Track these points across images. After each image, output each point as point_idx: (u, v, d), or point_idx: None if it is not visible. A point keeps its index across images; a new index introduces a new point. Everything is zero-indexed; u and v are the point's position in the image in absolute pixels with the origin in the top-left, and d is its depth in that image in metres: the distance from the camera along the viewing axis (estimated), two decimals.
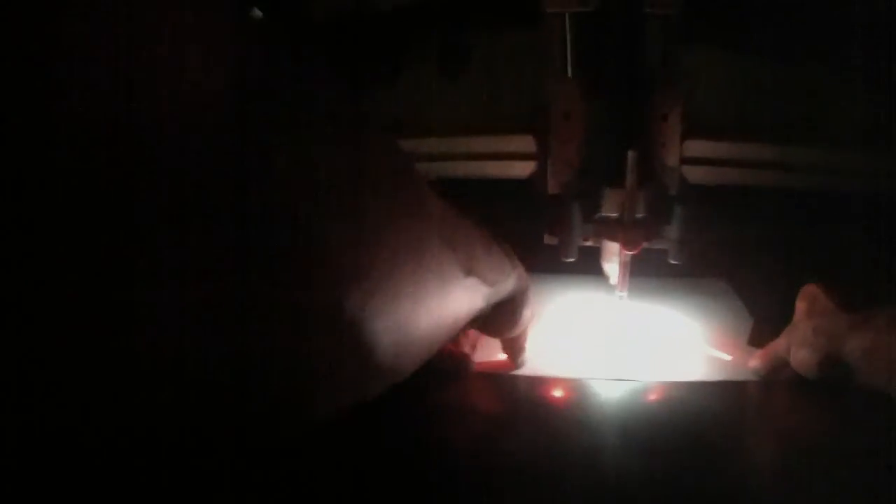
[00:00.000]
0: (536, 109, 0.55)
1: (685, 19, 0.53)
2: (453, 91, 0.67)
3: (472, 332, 0.49)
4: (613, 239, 0.49)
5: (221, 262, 0.20)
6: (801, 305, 0.49)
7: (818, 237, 0.64)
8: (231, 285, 0.20)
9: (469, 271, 0.34)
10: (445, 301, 0.31)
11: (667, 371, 0.49)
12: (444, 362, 0.47)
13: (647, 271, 0.56)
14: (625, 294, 0.53)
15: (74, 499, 0.19)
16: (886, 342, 0.41)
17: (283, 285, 0.22)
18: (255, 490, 0.31)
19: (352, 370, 0.26)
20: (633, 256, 0.52)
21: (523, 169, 0.56)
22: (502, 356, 0.50)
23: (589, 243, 0.53)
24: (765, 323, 0.55)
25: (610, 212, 0.50)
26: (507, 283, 0.40)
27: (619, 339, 0.54)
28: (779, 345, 0.48)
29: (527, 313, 0.44)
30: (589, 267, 0.57)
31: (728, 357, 0.52)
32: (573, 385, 0.47)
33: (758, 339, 0.53)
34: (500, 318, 0.42)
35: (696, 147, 0.60)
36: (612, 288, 0.55)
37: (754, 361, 0.49)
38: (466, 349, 0.49)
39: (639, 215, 0.50)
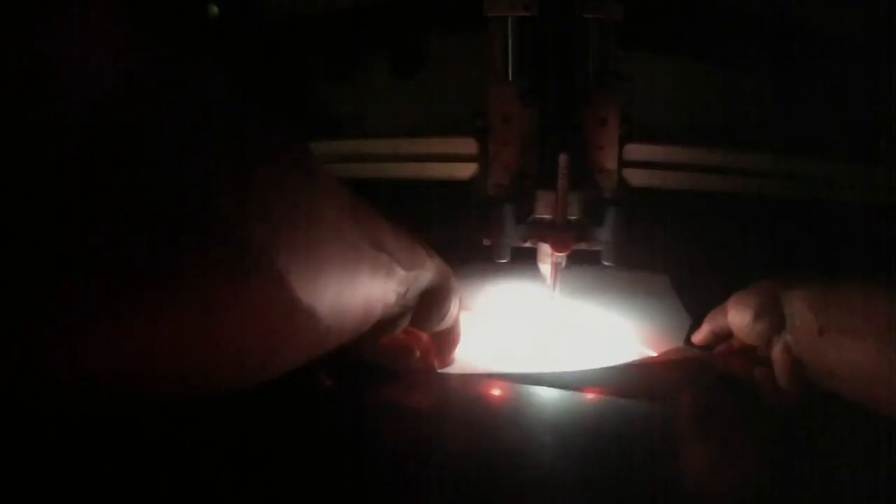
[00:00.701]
0: (478, 112, 0.55)
1: (627, 25, 0.54)
2: (403, 92, 0.68)
3: (424, 335, 0.49)
4: (543, 241, 0.51)
5: (125, 249, 0.20)
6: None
7: (758, 239, 0.66)
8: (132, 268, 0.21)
9: (379, 246, 0.36)
10: (355, 270, 0.33)
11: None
12: (386, 358, 0.47)
13: (588, 262, 0.57)
14: (556, 293, 0.54)
15: None
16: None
17: (186, 266, 0.23)
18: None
19: (270, 323, 0.27)
20: (575, 250, 0.53)
21: (464, 171, 0.56)
22: None
23: (528, 244, 0.55)
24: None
25: (543, 214, 0.51)
26: (426, 272, 0.42)
27: (549, 336, 0.55)
28: (722, 316, 0.49)
29: (453, 306, 0.46)
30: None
31: (654, 353, 0.53)
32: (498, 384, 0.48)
33: None
34: (425, 309, 0.44)
35: (638, 150, 0.61)
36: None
37: (697, 335, 0.52)
38: (418, 351, 0.49)
39: (571, 217, 0.51)
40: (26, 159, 0.18)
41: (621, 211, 0.52)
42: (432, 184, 0.61)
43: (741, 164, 0.64)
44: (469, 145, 0.56)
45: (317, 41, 0.71)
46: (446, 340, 0.49)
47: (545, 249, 0.53)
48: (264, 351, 0.28)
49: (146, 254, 0.21)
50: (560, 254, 0.51)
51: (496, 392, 0.47)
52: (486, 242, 0.53)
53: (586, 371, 0.49)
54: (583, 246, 0.53)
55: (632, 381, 0.49)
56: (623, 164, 0.57)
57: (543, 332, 0.55)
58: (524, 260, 0.55)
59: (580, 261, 0.56)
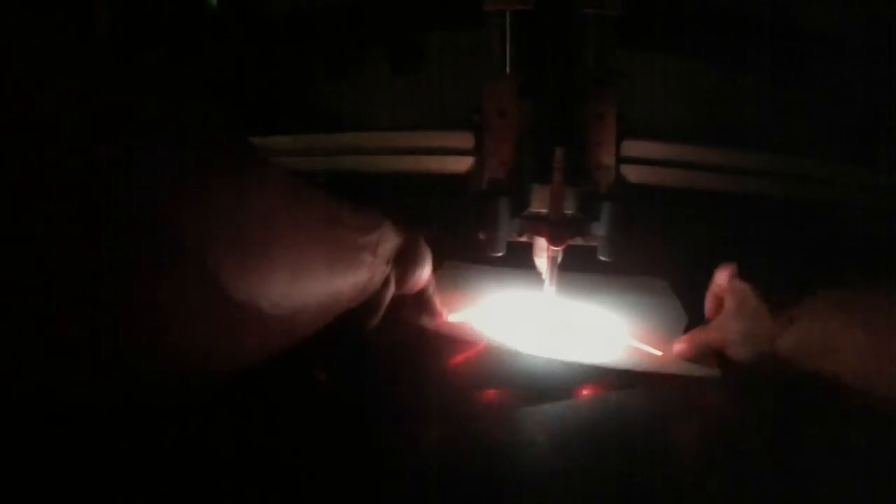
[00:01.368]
0: (475, 107, 0.55)
1: (626, 23, 0.53)
2: (402, 88, 0.68)
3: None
4: (539, 234, 0.50)
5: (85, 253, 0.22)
6: (729, 303, 0.50)
7: (755, 239, 0.66)
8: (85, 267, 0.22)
9: (331, 222, 0.37)
10: (308, 254, 0.34)
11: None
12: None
13: (587, 267, 0.57)
14: (553, 288, 0.53)
15: None
16: (817, 336, 0.44)
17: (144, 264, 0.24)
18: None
19: (210, 321, 0.27)
20: (574, 253, 0.53)
21: (460, 164, 0.56)
22: None
23: (524, 239, 0.55)
24: (700, 324, 0.56)
25: (539, 208, 0.51)
26: (388, 232, 0.43)
27: (550, 332, 0.55)
28: (708, 334, 0.50)
29: (421, 264, 0.48)
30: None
31: (658, 352, 0.53)
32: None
33: None
34: (400, 271, 0.46)
35: (636, 147, 0.61)
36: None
37: (680, 345, 0.51)
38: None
39: (568, 212, 0.51)
40: None
41: (618, 206, 0.51)
42: (427, 178, 0.61)
43: (738, 163, 0.64)
44: (465, 139, 0.56)
45: (316, 37, 0.71)
46: (426, 299, 0.51)
47: (541, 244, 0.53)
48: (206, 351, 0.28)
49: (75, 255, 0.22)
50: (556, 248, 0.50)
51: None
52: (481, 236, 0.53)
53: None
54: (578, 241, 0.53)
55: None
56: (620, 160, 0.56)
57: (541, 329, 0.55)
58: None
59: (577, 265, 0.56)
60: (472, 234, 0.54)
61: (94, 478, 0.31)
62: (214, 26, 0.72)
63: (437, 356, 0.51)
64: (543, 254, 0.53)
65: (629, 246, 0.53)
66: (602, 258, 0.52)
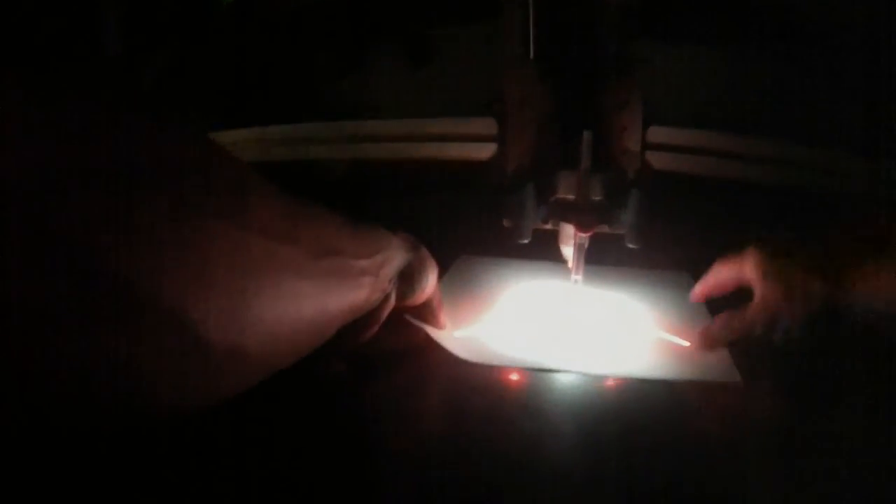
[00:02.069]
0: (496, 94, 0.54)
1: (651, 9, 0.52)
2: (418, 79, 0.67)
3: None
4: (567, 221, 0.49)
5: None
6: (764, 282, 0.48)
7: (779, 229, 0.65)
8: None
9: (326, 250, 0.35)
10: (296, 290, 0.32)
11: (624, 359, 0.50)
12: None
13: (611, 261, 0.56)
14: (580, 278, 0.52)
15: None
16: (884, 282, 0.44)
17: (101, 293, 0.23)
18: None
19: (186, 369, 0.27)
20: (600, 246, 0.52)
21: (482, 152, 0.55)
22: None
23: (549, 226, 0.53)
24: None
25: (566, 195, 0.50)
26: (394, 251, 0.42)
27: (578, 327, 0.54)
28: (752, 316, 0.48)
29: (428, 276, 0.46)
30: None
31: (686, 343, 0.52)
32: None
33: None
34: (404, 286, 0.45)
35: (661, 134, 0.60)
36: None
37: (719, 326, 0.50)
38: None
39: (595, 199, 0.49)
40: None
41: (644, 193, 0.50)
42: (443, 169, 0.60)
43: (765, 152, 0.63)
44: (488, 126, 0.55)
45: (329, 28, 0.70)
46: (429, 309, 0.49)
47: (567, 231, 0.52)
48: (181, 394, 0.28)
49: (26, 304, 0.21)
50: (583, 235, 0.49)
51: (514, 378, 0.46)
52: (506, 224, 0.52)
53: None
54: (605, 229, 0.52)
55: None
56: (645, 146, 0.55)
57: (570, 322, 0.54)
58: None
59: (600, 259, 0.55)
60: (493, 223, 0.53)
61: (92, 478, 0.30)
62: (227, 19, 0.71)
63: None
64: (570, 241, 0.52)
65: (655, 235, 0.52)
66: (630, 245, 0.51)
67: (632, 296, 0.60)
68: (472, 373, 0.46)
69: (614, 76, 0.52)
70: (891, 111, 0.64)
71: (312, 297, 0.34)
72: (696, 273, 0.64)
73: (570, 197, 0.50)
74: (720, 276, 0.53)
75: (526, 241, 0.50)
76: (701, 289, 0.55)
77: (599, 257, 0.55)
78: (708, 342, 0.50)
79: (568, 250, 0.53)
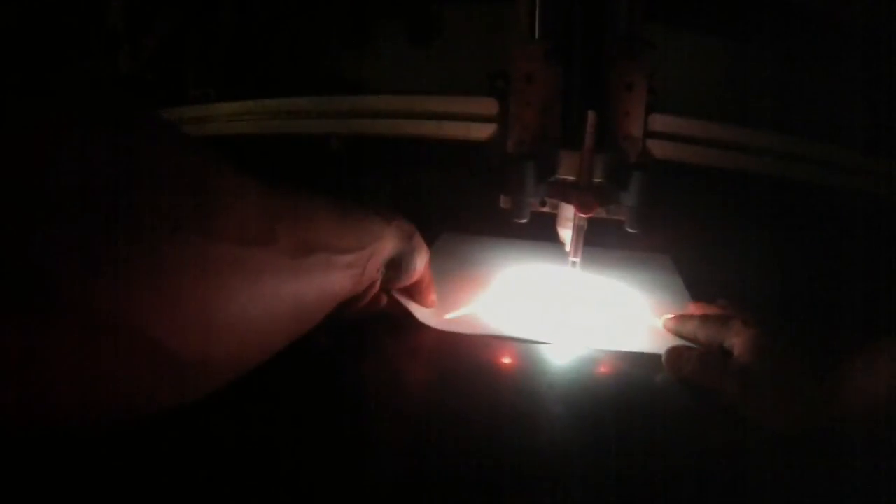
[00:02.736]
0: (499, 73, 0.54)
1: None
2: (420, 58, 0.67)
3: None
4: (567, 201, 0.49)
5: None
6: (746, 359, 0.42)
7: (758, 218, 0.65)
8: None
9: (310, 246, 0.34)
10: (274, 291, 0.32)
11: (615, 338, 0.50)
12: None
13: (595, 242, 0.56)
14: (577, 260, 0.52)
15: None
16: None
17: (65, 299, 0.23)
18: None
19: (152, 374, 0.26)
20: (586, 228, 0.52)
21: (482, 131, 0.55)
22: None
23: (546, 209, 0.53)
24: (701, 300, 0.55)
25: (566, 175, 0.50)
26: (384, 241, 0.42)
27: (569, 305, 0.54)
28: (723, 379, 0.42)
29: (417, 262, 0.46)
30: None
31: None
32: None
33: None
34: (392, 273, 0.45)
35: (662, 122, 0.60)
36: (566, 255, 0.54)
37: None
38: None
39: (596, 180, 0.49)
40: None
41: (647, 176, 0.50)
42: (438, 148, 0.60)
43: (761, 143, 0.63)
44: (488, 106, 0.55)
45: (334, 2, 0.70)
46: (419, 289, 0.50)
47: (566, 213, 0.51)
48: (142, 401, 0.27)
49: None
50: (583, 216, 0.49)
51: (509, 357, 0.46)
52: (503, 204, 0.52)
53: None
54: (603, 214, 0.51)
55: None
56: (646, 134, 0.55)
57: (564, 300, 0.54)
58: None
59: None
60: (488, 202, 0.52)
61: (90, 478, 0.30)
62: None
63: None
64: (568, 223, 0.51)
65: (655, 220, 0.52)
66: (630, 230, 0.50)
67: (614, 276, 0.61)
68: (452, 343, 0.47)
69: (620, 59, 0.51)
70: (892, 108, 0.64)
71: (292, 295, 0.34)
72: (678, 256, 0.66)
73: (571, 178, 0.49)
74: (699, 332, 0.48)
75: (524, 221, 0.50)
76: (674, 324, 0.51)
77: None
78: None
79: (566, 232, 0.52)
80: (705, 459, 0.37)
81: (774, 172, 0.63)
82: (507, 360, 0.46)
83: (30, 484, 0.28)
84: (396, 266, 0.45)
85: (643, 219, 0.50)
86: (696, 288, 0.59)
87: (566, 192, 0.49)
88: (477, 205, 0.53)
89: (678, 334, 0.50)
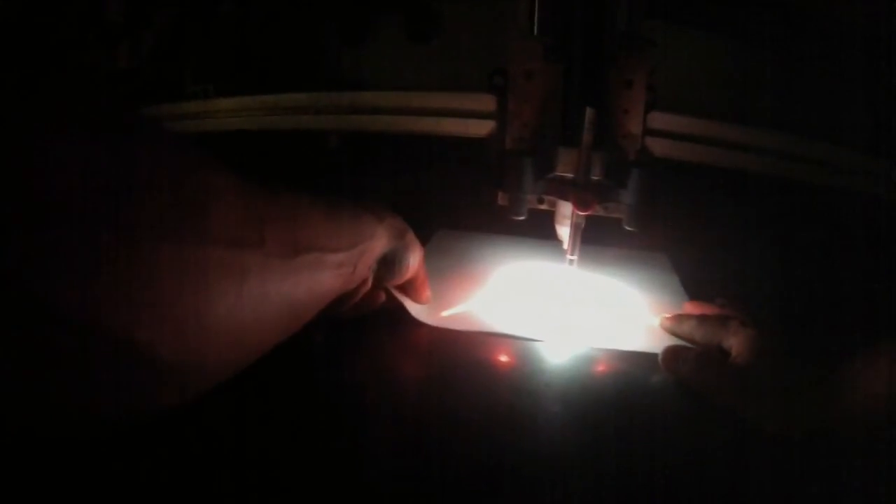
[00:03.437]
0: (498, 69, 0.53)
1: None
2: (419, 55, 0.67)
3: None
4: (565, 198, 0.48)
5: None
6: (746, 360, 0.42)
7: (765, 224, 0.65)
8: None
9: (295, 252, 0.34)
10: (262, 293, 0.32)
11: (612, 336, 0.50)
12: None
13: (592, 240, 0.56)
14: (575, 258, 0.52)
15: None
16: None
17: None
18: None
19: (142, 376, 0.27)
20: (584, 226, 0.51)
21: (480, 128, 0.54)
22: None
23: (544, 207, 0.53)
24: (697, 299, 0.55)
25: (564, 172, 0.49)
26: (376, 240, 0.42)
27: (566, 303, 0.54)
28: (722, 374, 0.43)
29: (409, 260, 0.46)
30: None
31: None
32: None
33: None
34: (383, 270, 0.45)
35: (662, 120, 0.59)
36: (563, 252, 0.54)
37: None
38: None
39: (594, 178, 0.49)
40: None
41: (646, 174, 0.49)
42: (435, 144, 0.60)
43: (764, 143, 0.63)
44: (487, 102, 0.54)
45: (334, 1, 0.70)
46: (413, 286, 0.49)
47: (564, 211, 0.51)
48: (130, 406, 0.28)
49: None
50: (581, 213, 0.48)
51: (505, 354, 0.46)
52: (500, 201, 0.51)
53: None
54: (601, 212, 0.51)
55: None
56: (645, 131, 0.55)
57: (561, 298, 0.54)
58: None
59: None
60: (485, 199, 0.52)
61: (88, 479, 0.30)
62: None
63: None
64: (566, 221, 0.51)
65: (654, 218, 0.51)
66: (628, 228, 0.50)
67: (611, 274, 0.61)
68: (448, 341, 0.47)
69: (619, 55, 0.51)
70: (892, 108, 0.64)
71: (282, 296, 0.33)
72: (675, 255, 0.66)
73: (569, 175, 0.49)
74: (696, 332, 0.49)
75: (521, 218, 0.50)
76: (670, 324, 0.51)
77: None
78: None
79: (563, 230, 0.52)
80: (703, 459, 0.37)
81: (773, 171, 0.63)
82: (503, 358, 0.46)
83: (30, 484, 0.28)
84: (388, 264, 0.45)
85: (641, 217, 0.50)
86: (694, 287, 0.58)
87: (564, 190, 0.49)
88: (474, 201, 0.53)
89: (675, 334, 0.50)
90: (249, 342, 0.32)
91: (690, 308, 0.53)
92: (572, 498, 0.34)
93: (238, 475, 0.32)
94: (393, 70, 0.67)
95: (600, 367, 0.46)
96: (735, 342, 0.43)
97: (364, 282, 0.43)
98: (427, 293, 0.51)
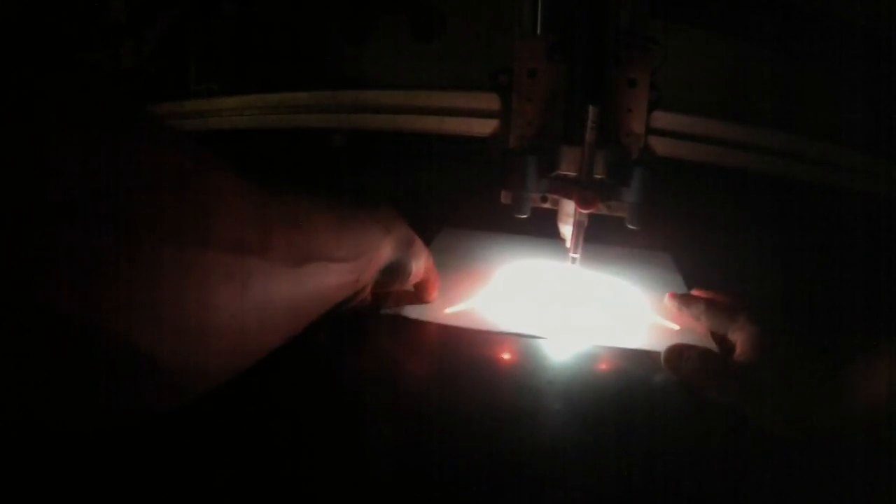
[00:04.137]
0: (502, 68, 0.54)
1: None
2: (422, 53, 0.67)
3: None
4: (568, 196, 0.49)
5: None
6: (749, 356, 0.43)
7: (767, 223, 0.65)
8: None
9: (301, 260, 0.34)
10: (266, 299, 0.31)
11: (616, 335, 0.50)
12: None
13: (595, 238, 0.56)
14: (578, 256, 0.52)
15: None
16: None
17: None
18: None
19: (143, 377, 0.26)
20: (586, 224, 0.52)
21: (484, 127, 0.55)
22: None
23: (547, 205, 0.53)
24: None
25: (568, 171, 0.50)
26: (381, 251, 0.42)
27: (569, 301, 0.54)
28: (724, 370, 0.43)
29: (414, 268, 0.46)
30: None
31: (676, 326, 0.52)
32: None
33: None
34: (387, 279, 0.45)
35: (665, 119, 0.59)
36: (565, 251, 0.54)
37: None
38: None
39: (597, 176, 0.49)
40: None
41: (648, 173, 0.50)
42: (439, 142, 0.60)
43: (766, 142, 0.63)
44: (491, 101, 0.55)
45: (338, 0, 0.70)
46: (422, 287, 0.50)
47: (567, 209, 0.51)
48: (132, 407, 0.28)
49: None
50: (584, 212, 0.49)
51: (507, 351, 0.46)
52: (504, 199, 0.52)
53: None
54: (604, 211, 0.51)
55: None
56: (649, 130, 0.55)
57: (564, 296, 0.54)
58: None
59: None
60: (489, 197, 0.52)
61: (87, 479, 0.30)
62: None
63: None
64: (569, 219, 0.51)
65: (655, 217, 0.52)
66: (631, 227, 0.51)
67: (614, 273, 0.61)
68: (451, 339, 0.47)
69: (623, 54, 0.51)
70: (892, 108, 0.64)
71: (286, 302, 0.33)
72: (678, 254, 0.66)
73: (572, 173, 0.49)
74: (704, 316, 0.50)
75: (525, 216, 0.50)
76: (679, 302, 0.52)
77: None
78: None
79: (566, 228, 0.52)
80: (704, 458, 0.37)
81: (776, 171, 0.63)
82: (506, 356, 0.46)
83: (30, 484, 0.28)
84: (392, 272, 0.45)
85: (644, 216, 0.50)
86: (696, 285, 0.58)
87: (567, 188, 0.49)
88: (478, 200, 0.53)
89: (682, 312, 0.50)
90: (251, 346, 0.32)
91: (699, 294, 0.53)
92: (574, 495, 0.34)
93: (241, 472, 0.32)
94: (396, 69, 0.67)
95: (603, 365, 0.46)
96: (740, 337, 0.44)
97: (364, 289, 0.43)
98: (434, 294, 0.51)
